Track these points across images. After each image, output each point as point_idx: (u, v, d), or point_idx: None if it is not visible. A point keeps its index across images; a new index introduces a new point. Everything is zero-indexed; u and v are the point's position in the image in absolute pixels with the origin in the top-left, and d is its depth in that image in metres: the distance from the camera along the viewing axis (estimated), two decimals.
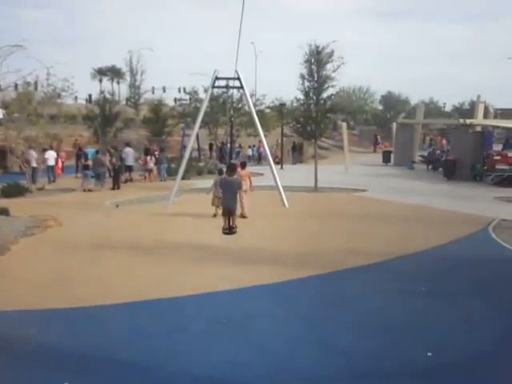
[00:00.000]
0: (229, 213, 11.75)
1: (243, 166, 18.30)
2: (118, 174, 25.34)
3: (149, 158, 28.75)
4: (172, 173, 26.41)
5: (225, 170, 13.63)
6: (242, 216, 16.10)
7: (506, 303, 9.00)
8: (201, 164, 34.40)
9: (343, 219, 16.73)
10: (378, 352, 6.96)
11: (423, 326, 7.90)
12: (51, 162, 26.95)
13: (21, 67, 21.03)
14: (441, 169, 31.28)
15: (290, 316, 8.35)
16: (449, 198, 21.22)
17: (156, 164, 29.02)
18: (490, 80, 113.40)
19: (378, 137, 56.83)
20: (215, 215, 16.26)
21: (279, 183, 19.81)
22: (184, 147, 36.66)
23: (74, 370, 6.42)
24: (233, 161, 22.09)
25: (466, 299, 9.10)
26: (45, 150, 26.93)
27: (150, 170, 28.57)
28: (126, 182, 26.65)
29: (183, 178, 21.30)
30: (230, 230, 11.76)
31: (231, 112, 31.22)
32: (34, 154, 24.90)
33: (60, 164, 28.87)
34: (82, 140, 39.34)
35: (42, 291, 9.43)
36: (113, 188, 24.56)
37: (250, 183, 17.79)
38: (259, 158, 41.39)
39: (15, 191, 21.61)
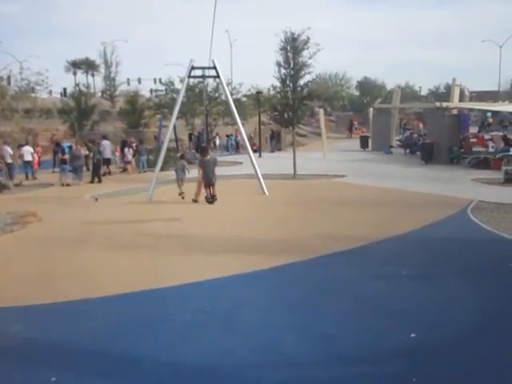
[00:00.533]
0: (209, 185, 13.78)
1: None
2: (98, 168, 25.07)
3: (126, 149, 28.56)
4: (151, 164, 26.28)
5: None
6: (194, 200, 17.38)
7: (486, 283, 9.16)
8: (179, 154, 34.20)
9: (323, 205, 16.83)
10: (364, 335, 7.05)
11: (406, 307, 8.00)
12: (28, 158, 26.56)
13: None
14: (418, 152, 31.43)
15: (276, 302, 8.42)
16: (427, 182, 21.42)
17: (134, 156, 28.87)
18: (465, 63, 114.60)
19: (355, 122, 56.82)
20: (181, 193, 18.12)
21: (258, 171, 19.84)
22: (156, 138, 36.54)
23: (61, 365, 6.39)
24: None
25: (447, 281, 9.21)
26: (21, 146, 26.55)
27: (129, 162, 28.39)
28: (104, 174, 26.41)
29: (162, 169, 21.23)
30: (212, 198, 13.79)
31: (206, 101, 31.17)
32: (9, 149, 24.50)
33: (36, 159, 28.49)
34: (59, 134, 38.93)
35: (26, 287, 9.35)
36: (91, 181, 24.33)
37: None
38: (237, 147, 41.31)
39: None
